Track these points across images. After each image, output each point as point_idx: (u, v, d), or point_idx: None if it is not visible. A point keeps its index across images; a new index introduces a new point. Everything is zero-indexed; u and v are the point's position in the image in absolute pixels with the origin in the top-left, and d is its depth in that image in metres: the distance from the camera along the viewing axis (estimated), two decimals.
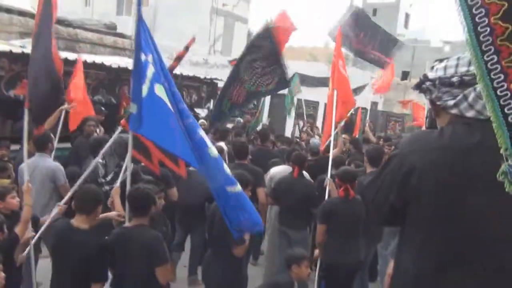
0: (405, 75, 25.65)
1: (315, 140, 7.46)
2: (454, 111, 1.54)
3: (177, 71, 9.79)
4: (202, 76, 10.61)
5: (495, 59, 1.20)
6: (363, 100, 17.83)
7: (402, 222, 1.64)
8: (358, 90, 15.33)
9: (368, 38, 7.26)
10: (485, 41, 1.19)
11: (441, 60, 1.65)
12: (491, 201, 1.42)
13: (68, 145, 6.75)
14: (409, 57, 31.11)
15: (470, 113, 1.50)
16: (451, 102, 1.54)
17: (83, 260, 2.95)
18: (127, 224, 3.31)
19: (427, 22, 38.07)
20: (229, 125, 13.36)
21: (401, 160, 1.58)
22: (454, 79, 1.53)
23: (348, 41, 7.18)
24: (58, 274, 3.14)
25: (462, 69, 1.53)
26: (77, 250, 2.97)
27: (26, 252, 3.52)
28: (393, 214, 1.64)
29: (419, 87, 1.69)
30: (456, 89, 1.53)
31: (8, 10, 8.99)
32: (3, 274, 2.72)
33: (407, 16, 40.08)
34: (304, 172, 5.21)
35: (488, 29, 1.18)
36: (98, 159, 3.93)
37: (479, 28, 1.19)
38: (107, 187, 4.15)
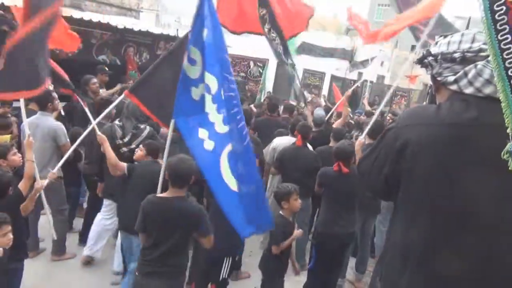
0: (414, 49, 25.19)
1: (319, 111, 7.40)
2: (453, 87, 1.54)
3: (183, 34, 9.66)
4: None
5: (509, 39, 1.17)
6: (369, 73, 17.67)
7: (395, 196, 1.64)
8: (365, 63, 15.14)
9: None
10: (501, 20, 1.16)
11: (445, 36, 1.63)
12: (483, 179, 1.41)
13: None
14: None
15: (469, 90, 1.49)
16: (451, 78, 1.54)
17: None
18: (162, 193, 3.22)
19: None
20: None
21: (396, 134, 1.58)
22: (456, 55, 1.52)
23: None
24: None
25: (465, 46, 1.52)
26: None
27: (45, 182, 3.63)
28: (387, 187, 1.65)
29: (421, 61, 1.69)
30: (458, 65, 1.53)
31: None
32: (11, 236, 2.75)
33: None
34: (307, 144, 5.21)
35: (504, 8, 1.15)
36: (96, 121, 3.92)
37: (495, 6, 1.15)
38: (125, 149, 4.19)
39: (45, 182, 3.63)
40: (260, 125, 6.48)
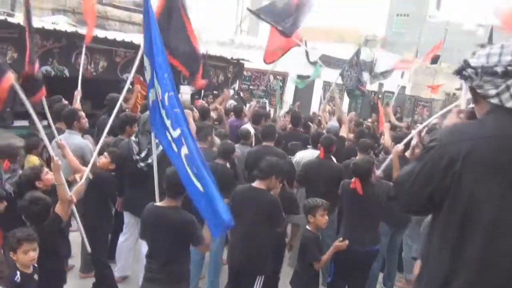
0: (435, 59, 24.83)
1: (334, 123, 7.35)
2: (495, 100, 1.53)
3: (203, 50, 9.78)
4: (228, 57, 10.56)
5: None
6: (390, 84, 17.52)
7: (436, 210, 1.63)
8: (386, 74, 15.02)
9: None
10: None
11: (482, 45, 1.62)
12: None
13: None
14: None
15: (510, 104, 1.49)
16: (493, 92, 1.53)
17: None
18: (159, 203, 3.39)
19: (461, 3, 36.92)
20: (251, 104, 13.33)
21: (440, 152, 1.57)
22: (498, 68, 1.51)
23: None
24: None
25: (507, 58, 1.51)
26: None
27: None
28: (428, 203, 1.64)
29: (459, 73, 1.68)
30: (499, 78, 1.52)
31: None
32: (33, 255, 2.85)
33: None
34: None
35: None
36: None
37: None
38: (142, 164, 4.25)
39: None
40: (284, 138, 6.48)
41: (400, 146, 4.41)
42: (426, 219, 3.00)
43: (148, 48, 3.40)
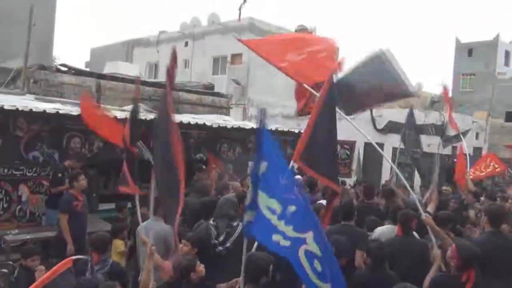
0: (509, 117, 23.69)
1: (412, 196, 7.03)
2: None
3: (273, 126, 10.04)
4: (296, 130, 10.74)
5: None
6: (464, 147, 16.71)
7: None
8: (459, 137, 14.45)
9: None
10: None
11: None
12: None
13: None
14: None
15: None
16: None
17: None
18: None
19: None
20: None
21: None
22: None
23: None
24: None
25: None
26: None
27: None
28: None
29: None
30: None
31: (123, 79, 10.04)
32: None
33: (507, 53, 37.69)
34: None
35: None
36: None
37: None
38: (220, 248, 4.28)
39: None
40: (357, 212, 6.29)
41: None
42: None
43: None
